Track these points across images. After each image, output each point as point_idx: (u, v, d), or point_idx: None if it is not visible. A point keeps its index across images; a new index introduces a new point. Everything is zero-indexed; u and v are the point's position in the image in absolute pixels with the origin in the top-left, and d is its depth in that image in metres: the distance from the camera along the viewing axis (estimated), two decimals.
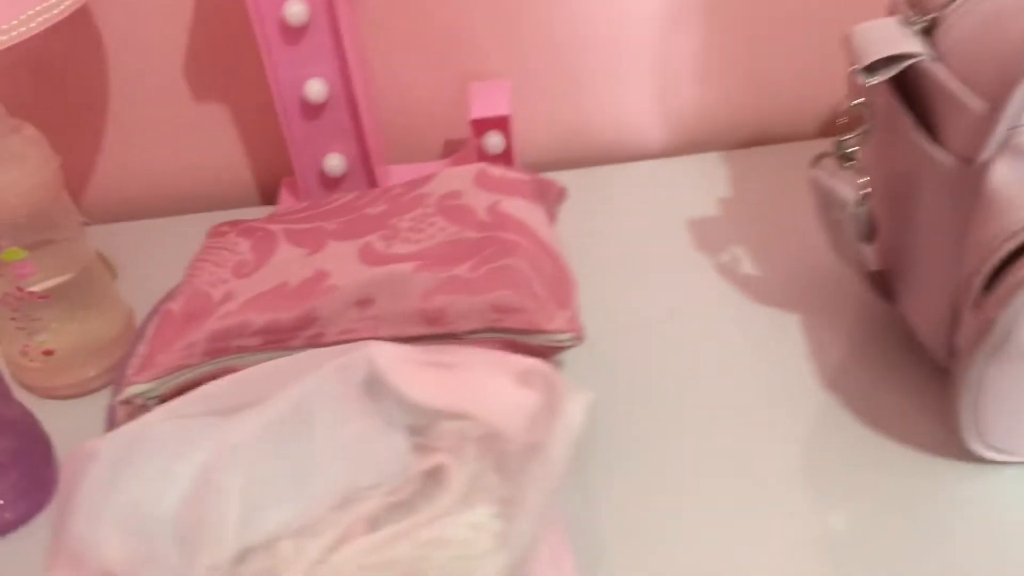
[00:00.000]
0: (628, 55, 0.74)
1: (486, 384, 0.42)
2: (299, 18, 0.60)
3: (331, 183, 0.69)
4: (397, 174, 0.71)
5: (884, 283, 0.54)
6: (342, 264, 0.51)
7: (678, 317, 0.60)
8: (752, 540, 0.47)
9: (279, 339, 0.49)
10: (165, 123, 0.75)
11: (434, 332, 0.48)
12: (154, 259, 0.71)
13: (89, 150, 0.76)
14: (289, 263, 0.52)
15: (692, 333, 0.59)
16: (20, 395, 0.60)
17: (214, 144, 0.76)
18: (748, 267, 0.64)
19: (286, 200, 0.71)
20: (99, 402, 0.59)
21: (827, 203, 0.51)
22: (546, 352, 0.48)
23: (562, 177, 0.69)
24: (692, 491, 0.49)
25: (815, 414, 0.53)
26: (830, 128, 0.79)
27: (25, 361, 0.58)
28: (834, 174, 0.50)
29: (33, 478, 0.52)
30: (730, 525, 0.47)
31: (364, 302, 0.49)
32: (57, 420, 0.57)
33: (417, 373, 0.43)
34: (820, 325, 0.58)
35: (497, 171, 0.56)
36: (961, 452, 0.49)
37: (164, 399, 0.48)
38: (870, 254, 0.52)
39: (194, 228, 0.72)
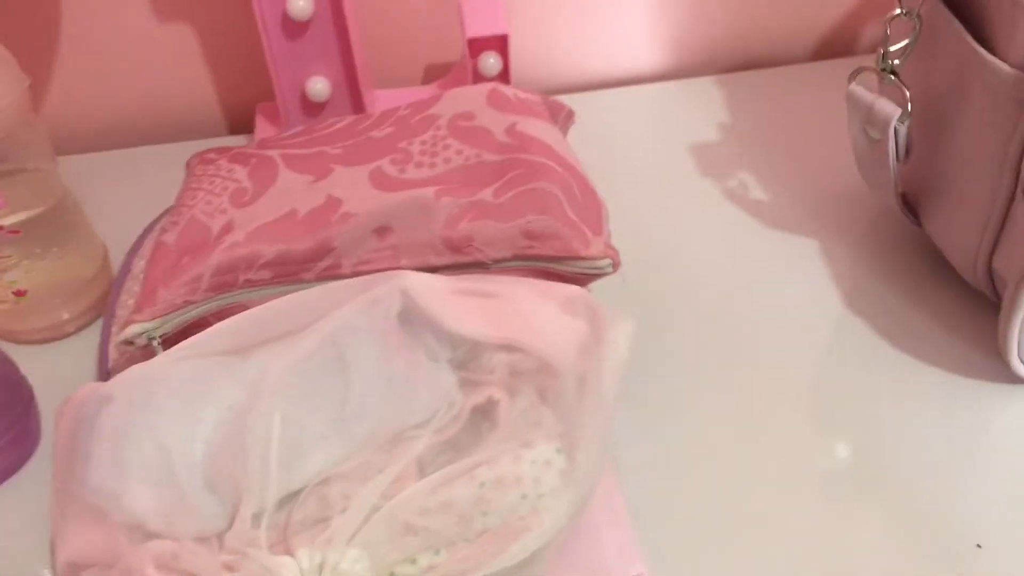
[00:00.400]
0: None
1: (535, 314, 0.39)
2: None
3: (314, 108, 0.64)
4: (385, 100, 0.67)
5: (909, 205, 0.53)
6: (354, 190, 0.47)
7: (689, 245, 0.58)
8: (777, 465, 0.46)
9: (292, 272, 0.45)
10: (128, 44, 0.69)
11: (459, 261, 0.45)
12: (121, 192, 0.66)
13: (47, 75, 0.70)
14: (293, 190, 0.48)
15: (705, 261, 0.57)
16: None
17: (181, 68, 0.71)
18: (757, 192, 0.62)
19: (263, 128, 0.66)
20: (74, 347, 0.55)
21: (866, 120, 0.49)
22: (580, 280, 0.45)
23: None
24: (713, 419, 0.48)
25: (838, 336, 0.52)
26: (823, 51, 0.77)
27: None
28: (873, 89, 0.48)
29: (17, 430, 0.48)
30: (754, 450, 0.46)
31: (383, 230, 0.45)
32: (30, 366, 0.52)
33: (459, 303, 0.40)
34: (838, 248, 0.57)
35: (509, 91, 0.53)
36: (994, 373, 0.49)
37: (167, 340, 0.44)
38: (902, 174, 0.50)
39: (163, 159, 0.68)
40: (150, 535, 0.34)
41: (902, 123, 0.46)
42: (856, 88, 0.48)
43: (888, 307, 0.53)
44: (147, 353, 0.44)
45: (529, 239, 0.45)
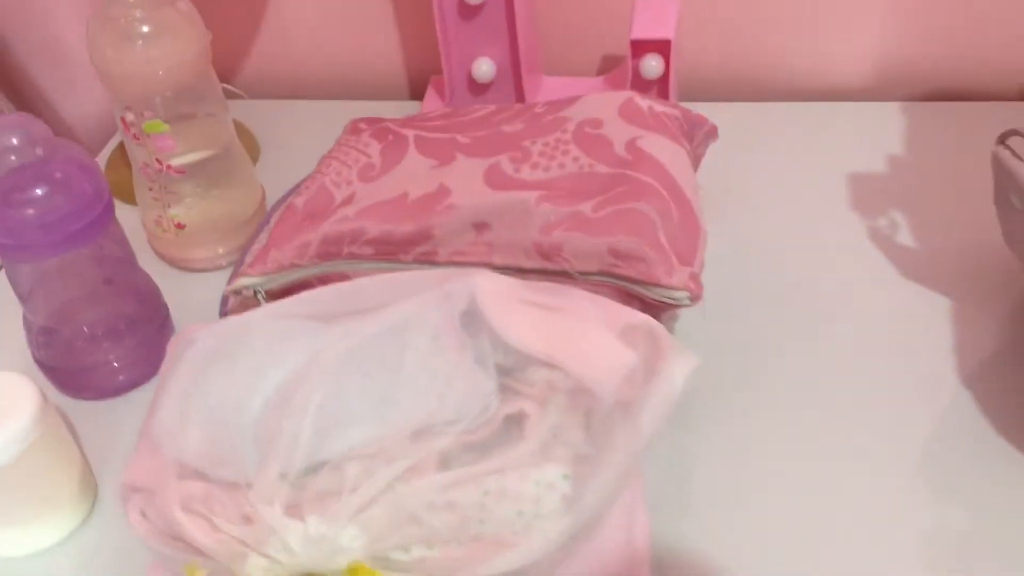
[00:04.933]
0: None
1: (586, 335, 0.40)
2: None
3: (478, 88, 0.66)
4: (547, 86, 0.68)
5: None
6: (466, 182, 0.49)
7: (816, 279, 0.56)
8: (855, 531, 0.44)
9: (391, 251, 0.48)
10: (326, 4, 0.74)
11: (547, 267, 0.46)
12: (298, 140, 0.71)
13: (250, 22, 0.76)
14: (414, 173, 0.50)
15: (828, 299, 0.55)
16: (154, 263, 0.62)
17: (371, 32, 0.75)
18: (906, 236, 0.58)
19: (431, 100, 0.69)
20: (225, 277, 0.60)
21: (1008, 186, 0.45)
22: (660, 307, 0.45)
23: (721, 110, 0.65)
24: (796, 468, 0.46)
25: (950, 410, 0.48)
26: None
27: (159, 231, 0.60)
28: (1021, 155, 0.44)
29: (149, 346, 0.54)
30: (833, 510, 0.45)
31: (481, 226, 0.47)
32: (184, 292, 0.59)
33: (517, 312, 0.41)
34: (974, 315, 0.53)
35: (645, 103, 0.52)
36: None
37: (272, 295, 0.48)
38: None
39: (341, 114, 0.72)
40: (195, 474, 0.38)
41: None
42: (1000, 150, 0.45)
43: (1005, 391, 0.49)
44: (253, 304, 0.48)
45: (615, 258, 0.45)
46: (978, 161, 0.62)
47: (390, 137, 0.54)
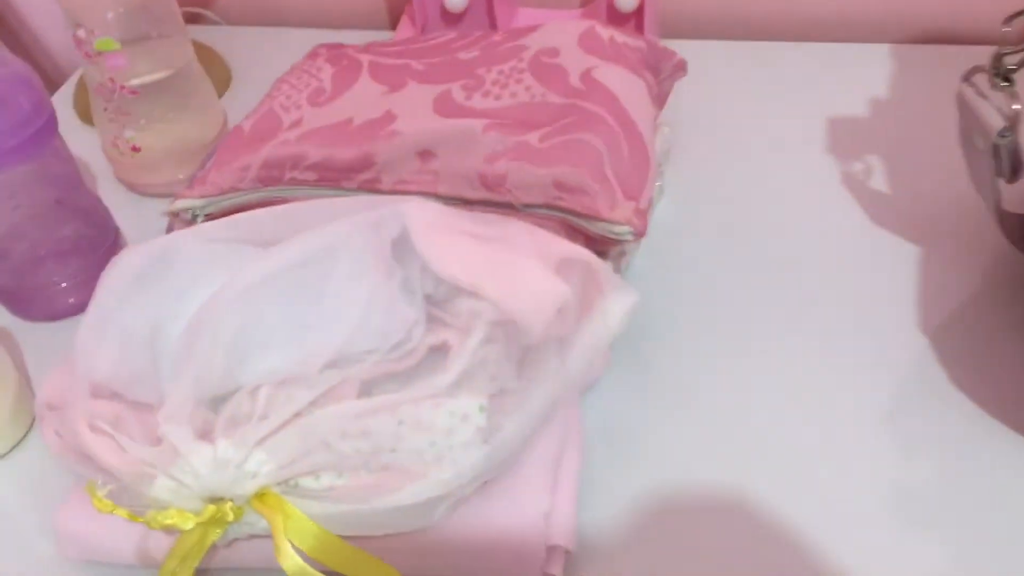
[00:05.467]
0: None
1: (518, 267, 0.39)
2: None
3: (451, 18, 0.65)
4: (521, 16, 0.66)
5: (1017, 228, 0.46)
6: (413, 109, 0.47)
7: (784, 223, 0.54)
8: (816, 482, 0.42)
9: (333, 177, 0.46)
10: None
11: (491, 198, 0.45)
12: (272, 69, 0.69)
13: None
14: (363, 99, 0.49)
15: (795, 245, 0.53)
16: (112, 186, 0.61)
17: None
18: (880, 180, 0.56)
19: (404, 30, 0.67)
20: None
21: (971, 126, 0.43)
22: (605, 242, 0.44)
23: (697, 48, 0.63)
24: (754, 418, 0.45)
25: (914, 360, 0.47)
26: None
27: (116, 153, 0.58)
28: (985, 93, 0.42)
29: (99, 268, 0.52)
30: (794, 460, 0.43)
31: (425, 154, 0.46)
32: (141, 216, 0.58)
33: (449, 242, 0.40)
34: (943, 262, 0.51)
35: (606, 32, 0.51)
36: None
37: (213, 219, 0.47)
38: (1011, 194, 0.44)
39: (316, 42, 0.71)
40: (111, 394, 0.38)
41: (1003, 138, 0.41)
42: (964, 88, 0.43)
43: (974, 343, 0.47)
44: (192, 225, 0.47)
45: (559, 190, 0.44)
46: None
47: (344, 62, 0.53)
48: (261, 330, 0.38)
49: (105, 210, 0.55)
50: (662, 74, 0.53)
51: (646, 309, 0.46)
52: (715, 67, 0.65)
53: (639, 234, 0.43)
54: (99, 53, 0.53)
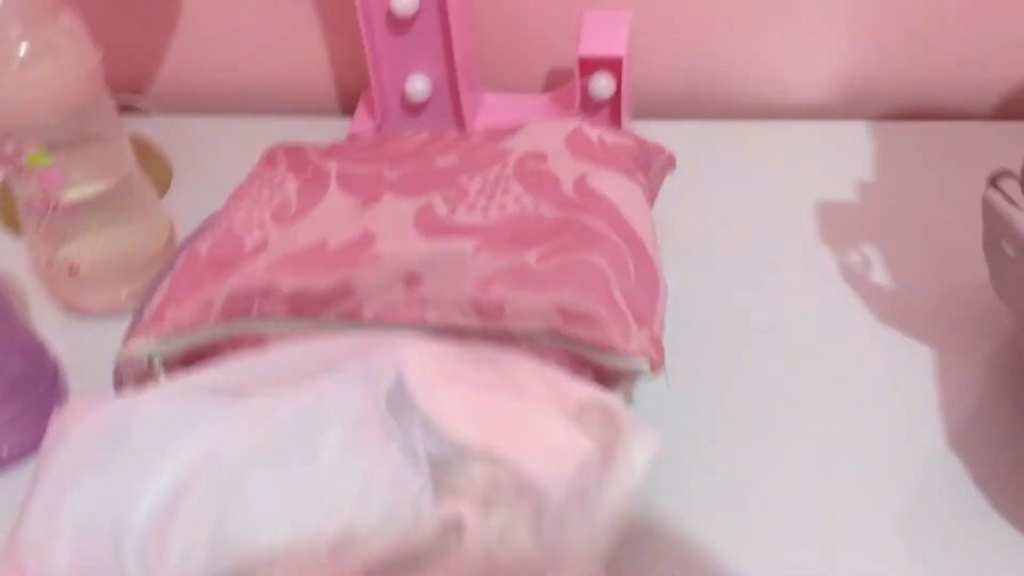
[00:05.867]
0: None
1: (533, 421, 0.34)
2: None
3: (413, 108, 0.60)
4: (488, 104, 0.62)
5: None
6: (394, 227, 0.43)
7: (785, 323, 0.51)
8: None
9: (308, 308, 0.42)
10: (246, 11, 0.67)
11: (486, 327, 0.40)
12: (216, 162, 0.64)
13: (160, 28, 0.69)
14: (334, 216, 0.44)
15: (800, 346, 0.50)
16: (46, 309, 0.55)
17: (297, 41, 0.68)
18: (881, 273, 0.53)
19: (362, 118, 0.63)
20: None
21: (999, 232, 0.40)
22: (616, 375, 0.40)
23: (674, 129, 0.60)
24: (767, 529, 0.42)
25: (930, 467, 0.44)
26: (1012, 109, 0.66)
27: (50, 274, 0.53)
28: (1016, 200, 0.40)
29: (36, 412, 0.47)
30: (809, 561, 0.41)
31: (411, 278, 0.41)
32: (82, 342, 0.52)
33: (451, 392, 0.35)
34: (957, 364, 0.48)
35: (595, 132, 0.47)
36: None
37: (172, 362, 0.42)
38: None
39: (264, 132, 0.66)
40: None
41: None
42: (992, 193, 0.40)
43: (991, 449, 0.44)
44: (151, 375, 0.42)
45: (564, 318, 0.39)
46: (950, 187, 0.58)
47: (309, 171, 0.48)
48: (246, 509, 0.33)
49: (41, 344, 0.49)
50: (652, 170, 0.49)
51: (644, 408, 0.44)
52: (688, 150, 0.62)
53: (657, 367, 0.39)
54: (30, 169, 0.48)
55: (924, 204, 0.57)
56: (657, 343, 0.39)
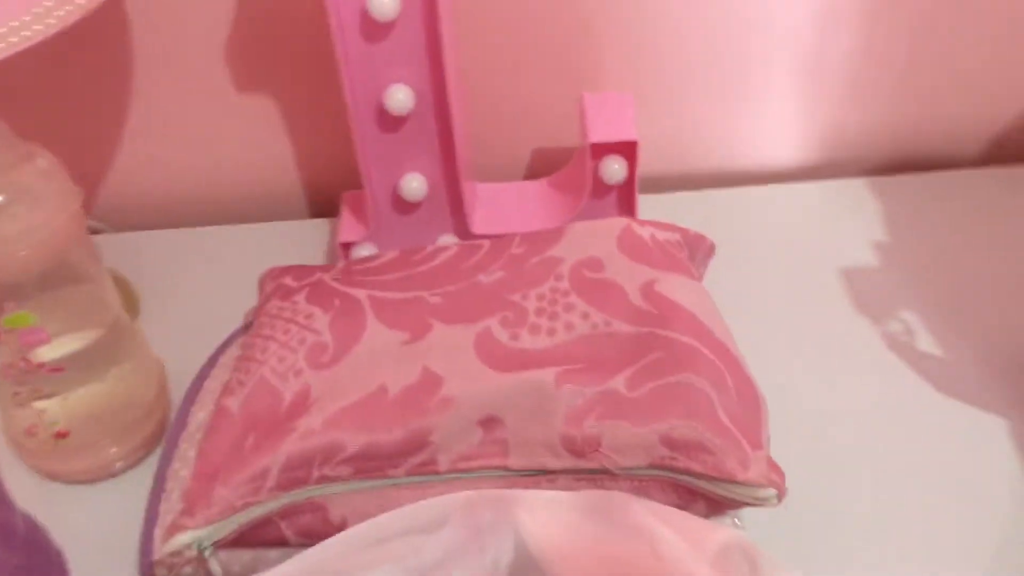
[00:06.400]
0: (757, 66, 0.61)
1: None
2: (387, 12, 0.47)
3: (406, 207, 0.56)
4: (484, 195, 0.58)
5: None
6: (456, 363, 0.39)
7: (851, 407, 0.48)
8: None
9: (377, 467, 0.37)
10: (200, 115, 0.62)
11: (581, 466, 0.37)
12: (182, 280, 0.59)
13: (107, 141, 0.63)
14: (382, 354, 0.40)
15: (874, 428, 0.47)
16: (22, 477, 0.48)
17: (259, 142, 0.63)
18: (927, 340, 0.51)
19: (348, 222, 0.58)
20: (124, 486, 0.47)
21: None
22: (728, 504, 0.36)
23: (672, 201, 0.57)
24: None
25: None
26: (997, 154, 0.66)
27: (32, 443, 0.46)
28: None
29: None
30: None
31: (490, 421, 0.37)
32: (70, 510, 0.46)
33: (585, 561, 0.31)
34: None
35: (646, 231, 0.44)
36: None
37: (220, 543, 0.36)
38: None
39: (232, 242, 0.61)
40: None
41: None
42: None
43: None
44: (198, 563, 0.36)
45: (670, 448, 0.36)
46: (966, 238, 0.57)
47: (336, 302, 0.43)
48: None
49: (43, 534, 0.42)
50: (696, 261, 0.46)
51: None
52: (693, 222, 0.59)
53: (783, 494, 0.36)
54: (10, 331, 0.42)
55: (946, 261, 0.56)
56: (776, 467, 0.36)
